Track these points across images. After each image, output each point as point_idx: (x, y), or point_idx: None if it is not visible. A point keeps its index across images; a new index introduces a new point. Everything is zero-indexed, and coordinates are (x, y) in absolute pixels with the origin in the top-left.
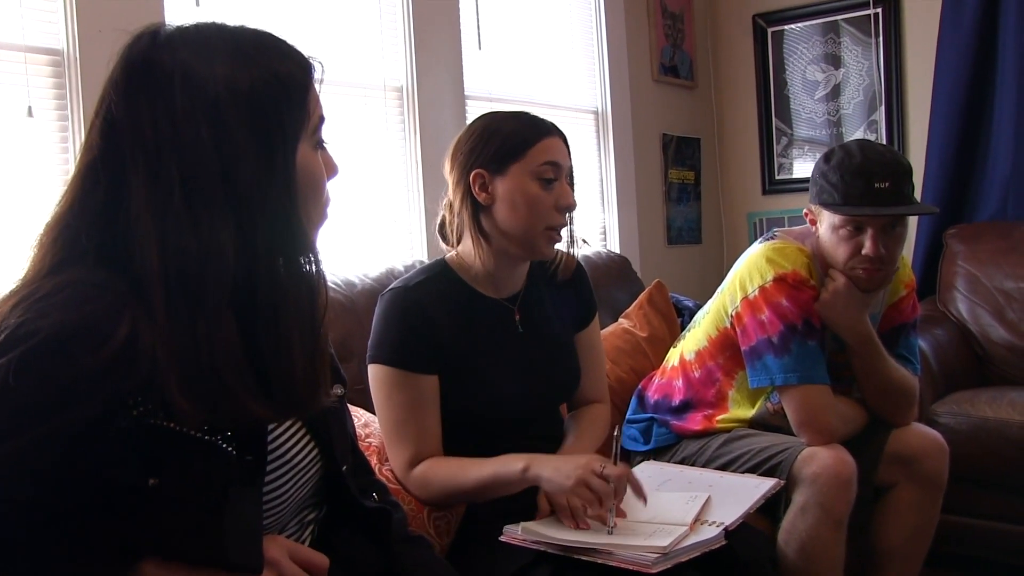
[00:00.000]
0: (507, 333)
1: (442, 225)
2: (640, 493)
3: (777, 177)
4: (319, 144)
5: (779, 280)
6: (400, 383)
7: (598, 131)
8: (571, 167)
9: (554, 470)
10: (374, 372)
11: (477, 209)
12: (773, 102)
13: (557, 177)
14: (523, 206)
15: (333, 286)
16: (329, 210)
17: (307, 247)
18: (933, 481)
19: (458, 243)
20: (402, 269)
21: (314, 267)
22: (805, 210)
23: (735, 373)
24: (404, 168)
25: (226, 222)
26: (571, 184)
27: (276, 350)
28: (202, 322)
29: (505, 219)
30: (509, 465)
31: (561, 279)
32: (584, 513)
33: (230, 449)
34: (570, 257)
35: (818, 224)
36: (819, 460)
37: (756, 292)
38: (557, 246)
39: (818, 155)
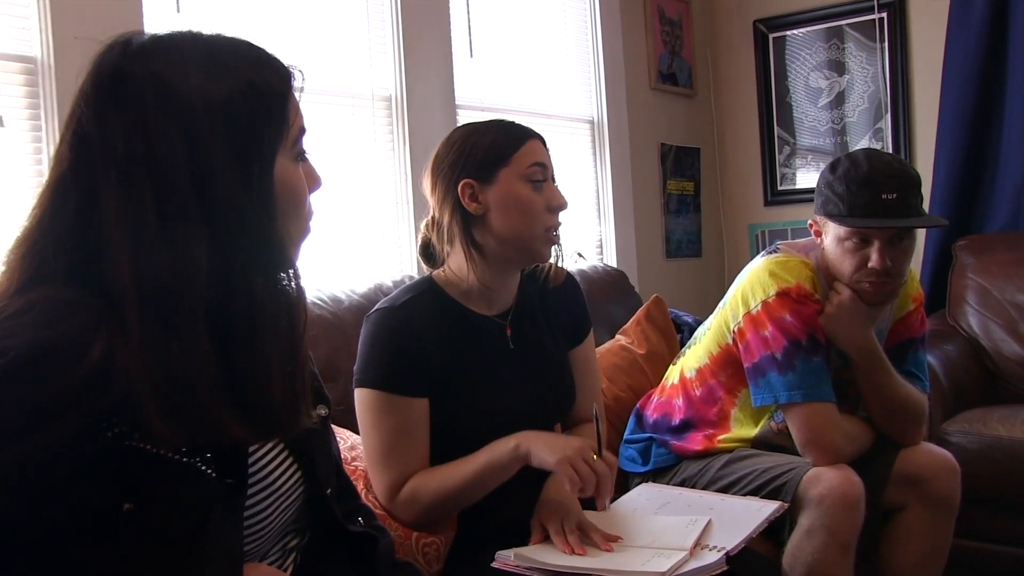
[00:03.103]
0: (499, 351)
1: (426, 245)
2: (605, 493)
3: (779, 188)
4: (300, 156)
5: (782, 294)
6: (388, 407)
7: (594, 141)
8: (554, 170)
9: (544, 444)
10: (361, 396)
11: (468, 221)
12: (775, 110)
13: (545, 178)
14: (517, 210)
15: (319, 302)
16: (312, 224)
17: (286, 263)
18: (944, 503)
19: (447, 259)
20: (391, 285)
21: (294, 283)
22: (809, 221)
23: (737, 391)
24: (393, 180)
25: (201, 238)
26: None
27: (253, 369)
28: (177, 340)
29: (501, 226)
30: (499, 447)
31: (553, 286)
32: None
33: (209, 472)
34: (556, 263)
35: (823, 236)
36: (825, 481)
37: (759, 307)
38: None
39: (822, 165)
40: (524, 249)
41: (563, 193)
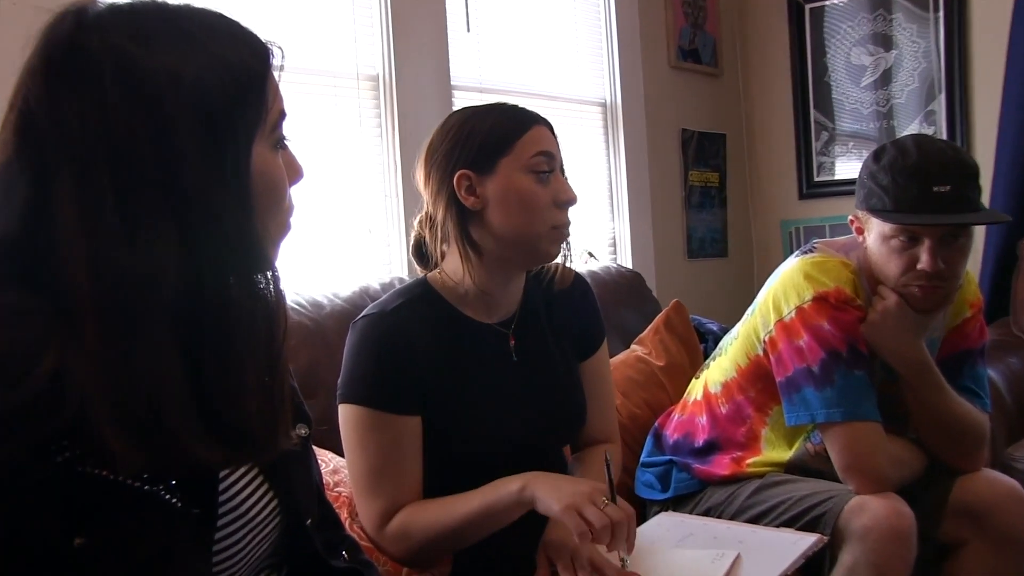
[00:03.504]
0: (500, 363)
1: (419, 244)
2: (622, 540)
3: (816, 179)
4: (279, 143)
5: (819, 299)
6: (376, 426)
7: (606, 126)
8: (562, 160)
9: (551, 489)
10: (345, 414)
11: (464, 217)
12: (811, 91)
13: (551, 169)
14: (519, 204)
15: (298, 308)
16: (292, 220)
17: (264, 263)
18: (1009, 539)
19: (442, 260)
20: (378, 288)
21: (272, 287)
22: (850, 217)
23: (769, 408)
24: (381, 170)
25: (168, 236)
26: (564, 176)
27: (226, 384)
28: (140, 352)
29: (501, 222)
30: (503, 487)
31: (560, 289)
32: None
33: (174, 501)
34: (565, 268)
35: (865, 234)
36: (870, 511)
37: (793, 314)
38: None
39: (864, 153)
40: (527, 249)
41: (572, 186)
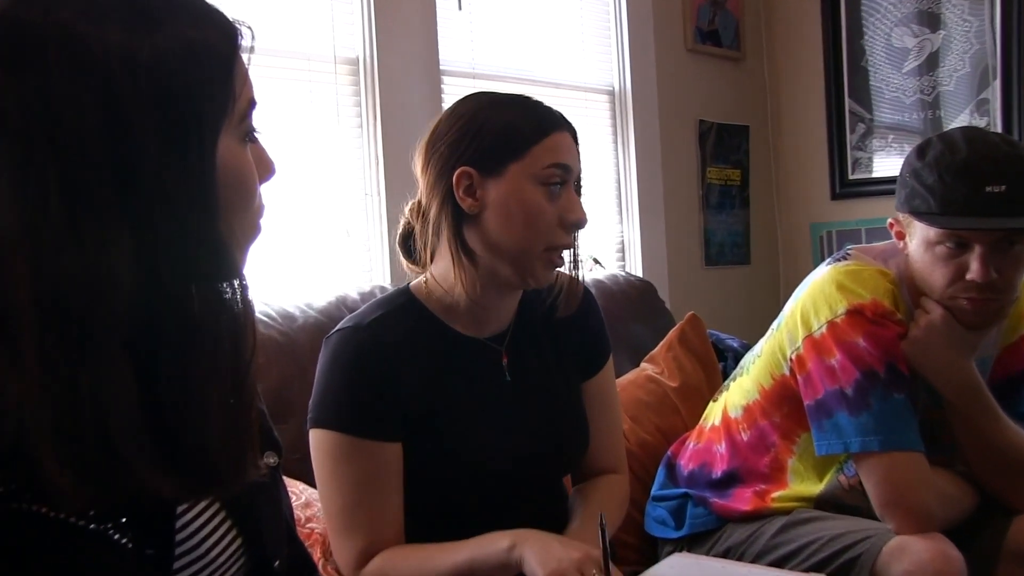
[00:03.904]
0: (492, 383)
1: (407, 236)
2: None
3: (851, 176)
4: (248, 136)
5: (854, 313)
6: (352, 454)
7: (615, 117)
8: (580, 173)
9: (540, 551)
10: (318, 440)
11: (460, 219)
12: (846, 77)
13: (564, 182)
14: (520, 218)
15: (266, 320)
16: (262, 222)
17: (230, 270)
18: None
19: (430, 262)
20: (357, 298)
21: (239, 296)
22: (890, 220)
23: (796, 435)
24: (361, 165)
25: (121, 238)
26: (578, 192)
27: (186, 407)
28: (87, 370)
29: (497, 232)
30: (492, 544)
31: (563, 315)
32: None
33: (125, 541)
34: (574, 283)
35: (907, 239)
36: (912, 554)
37: (823, 329)
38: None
39: (906, 148)
40: (515, 266)
41: (583, 206)
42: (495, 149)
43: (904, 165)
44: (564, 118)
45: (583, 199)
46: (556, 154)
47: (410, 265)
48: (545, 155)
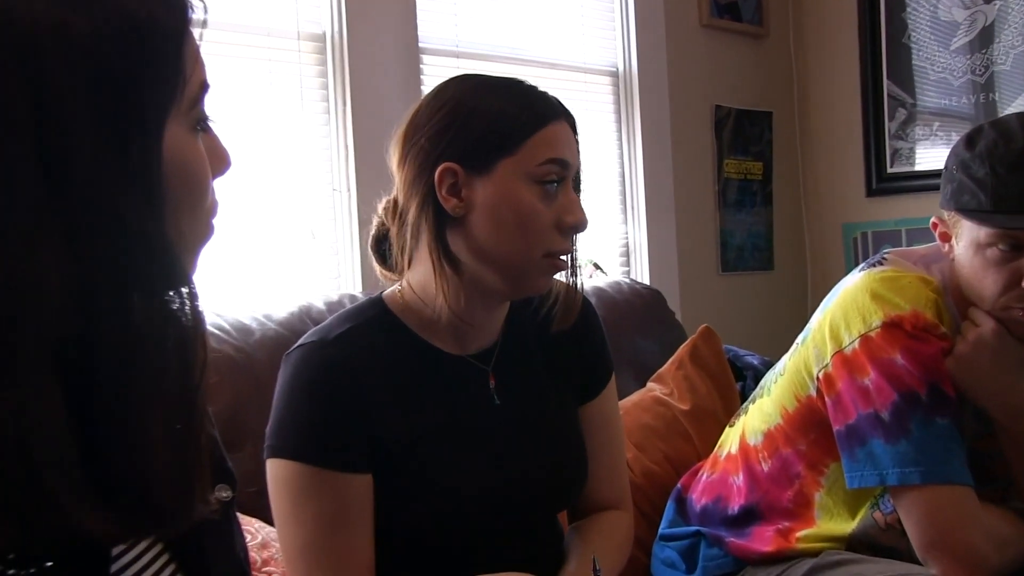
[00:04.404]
0: (478, 408)
1: (381, 239)
2: None
3: (890, 170)
4: (200, 123)
5: (891, 326)
6: (315, 488)
7: (618, 102)
8: (580, 169)
9: None
10: (277, 471)
11: (443, 222)
12: (885, 55)
13: (562, 180)
14: (511, 222)
15: (219, 334)
16: (216, 222)
17: (178, 277)
18: None
19: (408, 269)
20: (323, 308)
21: (188, 306)
22: (933, 219)
23: (824, 466)
24: (328, 156)
25: (50, 240)
26: (577, 190)
27: (125, 433)
28: (8, 391)
29: (485, 237)
30: None
31: (559, 329)
32: None
33: None
34: (572, 292)
35: (953, 241)
36: None
37: (856, 344)
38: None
39: (954, 136)
40: (509, 276)
41: (583, 207)
42: (483, 142)
43: (950, 156)
44: (562, 106)
45: (583, 198)
46: (553, 148)
47: (384, 272)
48: (540, 149)
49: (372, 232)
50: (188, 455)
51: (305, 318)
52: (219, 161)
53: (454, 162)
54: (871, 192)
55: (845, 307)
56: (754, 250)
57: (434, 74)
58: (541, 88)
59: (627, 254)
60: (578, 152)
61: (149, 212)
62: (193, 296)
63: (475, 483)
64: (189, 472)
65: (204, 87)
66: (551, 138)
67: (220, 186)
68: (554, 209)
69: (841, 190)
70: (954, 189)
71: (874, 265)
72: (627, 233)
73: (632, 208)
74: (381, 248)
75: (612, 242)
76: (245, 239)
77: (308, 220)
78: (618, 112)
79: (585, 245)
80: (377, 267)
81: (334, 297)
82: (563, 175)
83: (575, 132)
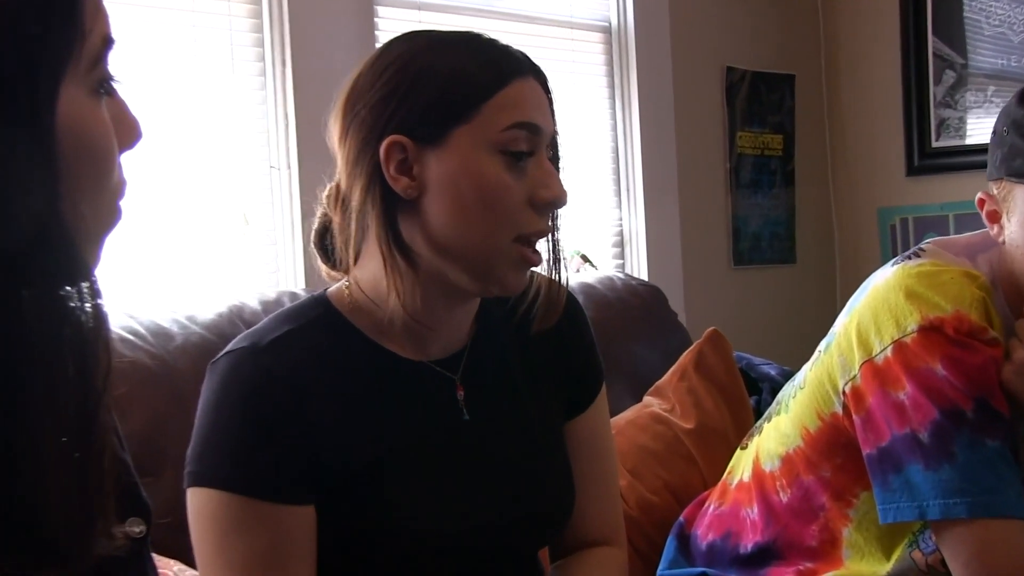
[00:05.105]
0: (443, 424)
1: (324, 232)
2: None
3: (934, 144)
4: (103, 86)
5: (930, 330)
6: (246, 522)
7: (611, 64)
8: (555, 132)
9: None
10: (200, 502)
11: (392, 206)
12: (930, 7)
13: (534, 150)
14: (475, 200)
15: (131, 338)
16: (123, 203)
17: (76, 268)
18: None
19: (354, 265)
20: (257, 308)
21: (89, 304)
22: (979, 196)
23: (853, 496)
24: (263, 127)
25: None
26: (555, 161)
27: (12, 456)
28: None
29: (442, 222)
30: None
31: (539, 329)
32: None
33: None
34: (555, 288)
35: (1004, 219)
36: None
37: (888, 352)
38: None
39: None
40: (475, 269)
41: (561, 179)
42: (434, 108)
43: (1001, 117)
44: (529, 60)
45: (562, 172)
46: (518, 110)
47: (330, 271)
48: (503, 112)
49: (315, 225)
50: (88, 481)
51: (236, 320)
52: (127, 131)
53: (402, 134)
54: (912, 170)
55: (875, 308)
56: (772, 240)
57: (391, 29)
58: (506, 42)
59: (621, 244)
60: (552, 115)
61: (41, 191)
62: (95, 292)
63: (439, 515)
64: (89, 501)
65: (108, 42)
66: (516, 98)
67: (129, 161)
68: (525, 183)
69: (876, 168)
70: (1005, 154)
71: (909, 258)
72: (621, 219)
73: (627, 189)
74: (325, 243)
75: (603, 230)
76: (162, 226)
77: (240, 203)
78: (611, 75)
79: (570, 233)
80: (322, 266)
81: (271, 295)
82: (534, 143)
83: (547, 91)
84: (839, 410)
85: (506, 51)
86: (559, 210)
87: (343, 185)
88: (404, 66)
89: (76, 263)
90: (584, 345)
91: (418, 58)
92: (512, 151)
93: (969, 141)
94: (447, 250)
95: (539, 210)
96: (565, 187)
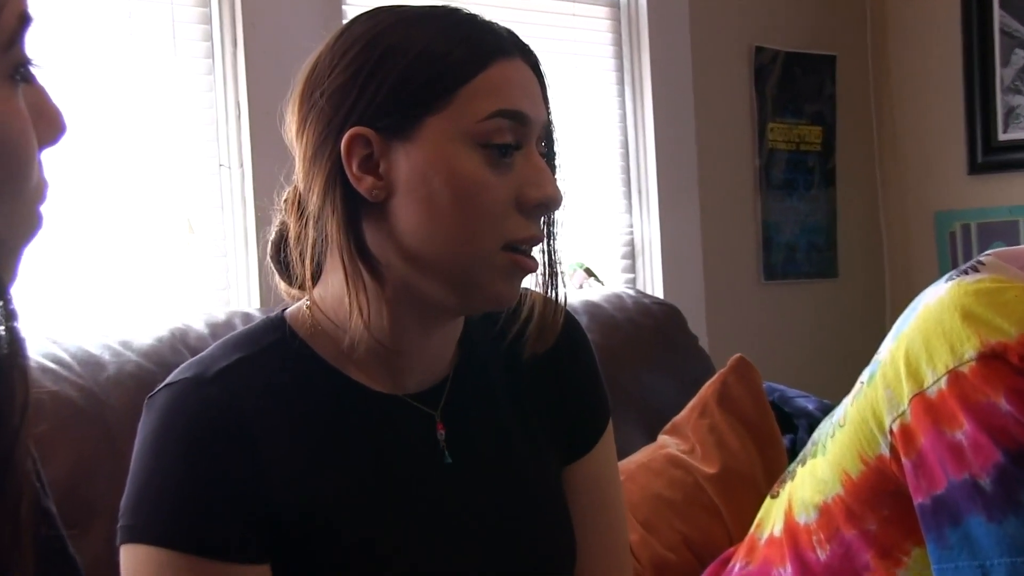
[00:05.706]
0: (421, 468)
1: (282, 242)
2: None
3: (1001, 137)
4: (19, 72)
5: (991, 358)
6: None
7: (621, 44)
8: (549, 122)
9: None
10: (136, 560)
11: (355, 209)
12: None
13: (521, 143)
14: (451, 201)
15: (55, 367)
16: (45, 208)
17: None
18: None
19: (314, 282)
20: (204, 332)
21: (2, 328)
22: None
23: (903, 553)
24: (211, 121)
25: None
26: (550, 157)
27: None
28: None
29: (414, 229)
30: None
31: (533, 353)
32: None
33: None
34: (551, 306)
35: None
36: None
37: (943, 383)
38: (525, 283)
39: None
40: (453, 282)
41: (555, 177)
42: (403, 94)
43: None
44: (515, 37)
45: (558, 169)
46: (501, 96)
47: (289, 289)
48: (483, 99)
49: (271, 237)
50: (1, 534)
51: (179, 346)
52: (48, 124)
53: (366, 126)
54: (975, 168)
55: (927, 332)
56: (810, 250)
57: (360, 4)
58: (489, 18)
59: (632, 256)
60: (545, 101)
61: None
62: (10, 313)
63: (416, 572)
64: (4, 557)
65: (24, 20)
66: (498, 82)
67: (51, 159)
68: (510, 182)
69: (933, 165)
70: None
71: (966, 272)
72: (631, 226)
73: (639, 191)
74: (283, 255)
75: (611, 239)
76: (91, 235)
77: (184, 208)
78: (620, 58)
79: (571, 242)
80: (279, 283)
81: (220, 317)
82: (521, 134)
83: (538, 74)
84: (886, 452)
85: (488, 27)
86: (554, 214)
87: (300, 186)
88: (368, 46)
89: None
90: (586, 374)
91: (384, 36)
92: (494, 144)
93: None
94: (420, 260)
95: (528, 213)
96: (560, 186)
